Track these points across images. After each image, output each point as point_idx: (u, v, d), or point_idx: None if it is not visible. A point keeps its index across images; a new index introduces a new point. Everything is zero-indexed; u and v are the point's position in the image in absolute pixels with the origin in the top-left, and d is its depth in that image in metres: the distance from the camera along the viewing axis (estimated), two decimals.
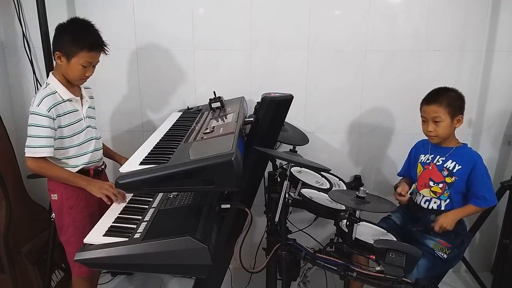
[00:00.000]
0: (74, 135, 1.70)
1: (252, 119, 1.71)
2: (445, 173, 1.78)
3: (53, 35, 1.68)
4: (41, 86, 2.23)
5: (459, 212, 1.76)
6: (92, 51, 1.63)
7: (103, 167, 1.90)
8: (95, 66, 1.70)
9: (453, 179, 1.76)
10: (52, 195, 1.75)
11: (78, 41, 1.61)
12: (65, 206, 1.73)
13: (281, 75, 2.27)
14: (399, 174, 2.05)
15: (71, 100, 1.69)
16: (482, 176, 1.74)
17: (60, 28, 1.66)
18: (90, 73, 1.69)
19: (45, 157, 1.62)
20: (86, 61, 1.63)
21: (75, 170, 1.73)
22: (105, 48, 1.68)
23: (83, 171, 1.76)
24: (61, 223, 1.76)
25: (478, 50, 2.22)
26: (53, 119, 1.61)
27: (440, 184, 1.79)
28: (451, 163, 1.78)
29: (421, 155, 1.90)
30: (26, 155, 1.60)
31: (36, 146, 1.59)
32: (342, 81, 2.27)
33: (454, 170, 1.76)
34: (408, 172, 1.99)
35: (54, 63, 1.69)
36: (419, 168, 1.88)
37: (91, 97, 1.85)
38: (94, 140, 1.79)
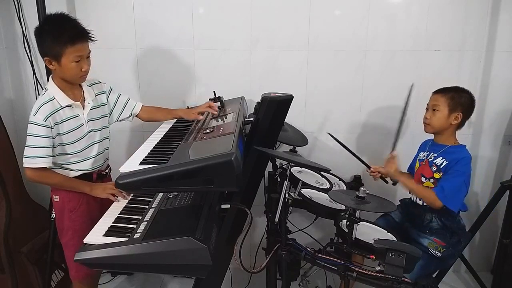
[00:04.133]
0: (75, 141, 1.66)
1: (252, 119, 1.71)
2: (434, 168, 1.80)
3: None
4: (41, 86, 2.25)
5: (404, 176, 1.88)
6: (76, 44, 1.53)
7: (107, 171, 1.86)
8: (89, 58, 1.61)
9: (441, 174, 1.78)
10: (54, 196, 1.73)
11: (58, 39, 1.51)
12: (66, 208, 1.72)
13: (281, 75, 2.27)
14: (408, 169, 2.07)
15: (70, 106, 1.63)
16: (456, 171, 1.73)
17: (37, 31, 1.58)
18: (86, 67, 1.60)
19: (44, 167, 1.58)
20: (75, 56, 1.54)
21: (77, 174, 1.70)
22: (90, 35, 1.58)
23: (86, 175, 1.73)
24: (61, 225, 1.75)
25: (478, 50, 2.22)
26: (51, 128, 1.56)
27: (430, 180, 1.81)
28: (441, 159, 1.79)
29: (421, 153, 1.94)
30: (24, 165, 1.57)
31: (33, 157, 1.55)
32: (342, 81, 2.28)
33: (441, 166, 1.78)
34: (412, 170, 2.02)
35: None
36: (417, 164, 1.92)
37: (102, 92, 1.78)
38: (97, 144, 1.74)
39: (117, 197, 1.63)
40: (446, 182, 1.72)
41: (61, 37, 1.51)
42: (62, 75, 1.60)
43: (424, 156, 1.88)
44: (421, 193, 1.79)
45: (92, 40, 1.60)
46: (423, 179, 1.84)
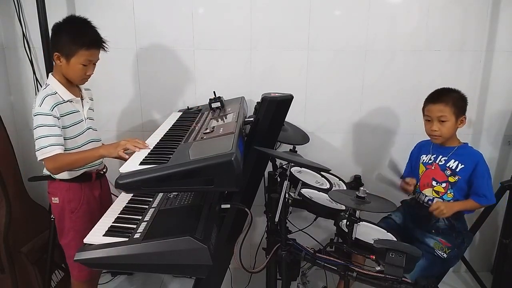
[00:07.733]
0: (75, 136, 1.68)
1: (252, 119, 1.71)
2: (448, 172, 1.78)
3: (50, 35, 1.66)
4: (41, 86, 2.25)
5: (459, 203, 1.77)
6: (91, 49, 1.60)
7: (104, 170, 1.88)
8: (95, 64, 1.68)
9: (456, 178, 1.77)
10: (52, 198, 1.73)
11: (76, 40, 1.57)
12: (66, 209, 1.72)
13: (281, 75, 2.27)
14: (402, 177, 2.03)
15: (71, 101, 1.68)
16: (483, 174, 1.74)
17: (56, 28, 1.63)
18: (91, 72, 1.66)
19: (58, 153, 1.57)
20: (86, 60, 1.60)
21: (77, 174, 1.71)
22: (104, 44, 1.65)
23: (86, 175, 1.74)
24: (61, 227, 1.75)
25: (478, 50, 2.22)
26: (58, 118, 1.59)
27: (443, 184, 1.79)
28: (454, 162, 1.78)
29: (423, 156, 1.91)
30: (39, 159, 1.56)
31: (47, 145, 1.54)
32: (342, 81, 2.27)
33: (457, 170, 1.77)
34: (411, 174, 1.98)
35: (54, 63, 1.68)
36: (421, 168, 1.89)
37: (91, 99, 1.84)
38: (93, 142, 1.77)
39: (135, 147, 1.46)
40: (484, 188, 1.73)
41: (80, 39, 1.58)
42: (66, 72, 1.64)
43: (431, 160, 1.85)
44: (471, 208, 1.80)
45: (105, 50, 1.66)
46: (434, 183, 1.81)
